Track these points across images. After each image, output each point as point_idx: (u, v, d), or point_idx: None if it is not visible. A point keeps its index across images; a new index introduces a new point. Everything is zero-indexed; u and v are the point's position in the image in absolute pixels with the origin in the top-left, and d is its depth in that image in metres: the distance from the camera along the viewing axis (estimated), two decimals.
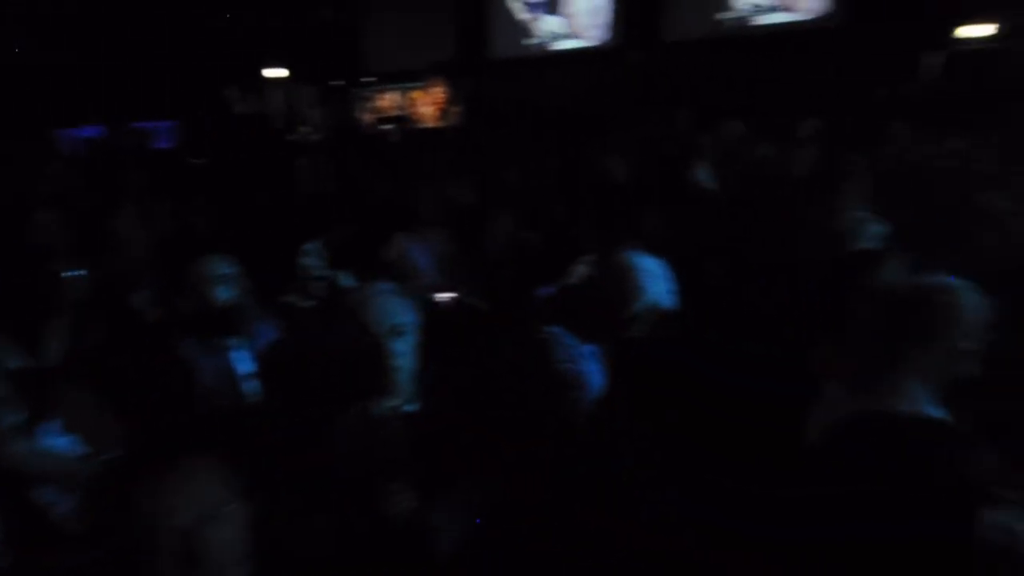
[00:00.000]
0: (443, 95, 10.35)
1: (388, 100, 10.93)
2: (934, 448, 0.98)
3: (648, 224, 2.75)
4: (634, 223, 2.68)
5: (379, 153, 7.06)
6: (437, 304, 2.36)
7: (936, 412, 1.28)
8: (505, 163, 4.51)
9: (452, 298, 2.43)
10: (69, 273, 2.07)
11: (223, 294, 1.95)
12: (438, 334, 1.59)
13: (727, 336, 2.02)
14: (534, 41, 9.55)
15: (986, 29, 6.58)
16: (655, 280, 1.62)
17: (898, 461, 0.97)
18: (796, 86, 7.42)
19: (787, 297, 2.07)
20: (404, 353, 1.39)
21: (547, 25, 9.35)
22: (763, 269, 2.31)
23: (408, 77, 10.49)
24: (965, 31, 6.79)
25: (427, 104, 10.55)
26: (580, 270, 1.80)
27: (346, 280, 2.33)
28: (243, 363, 1.93)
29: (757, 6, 8.08)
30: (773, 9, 8.03)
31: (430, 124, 10.29)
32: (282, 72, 9.74)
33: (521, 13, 9.42)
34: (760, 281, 2.15)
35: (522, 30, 9.51)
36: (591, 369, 1.68)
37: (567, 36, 9.32)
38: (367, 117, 10.84)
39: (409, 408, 1.40)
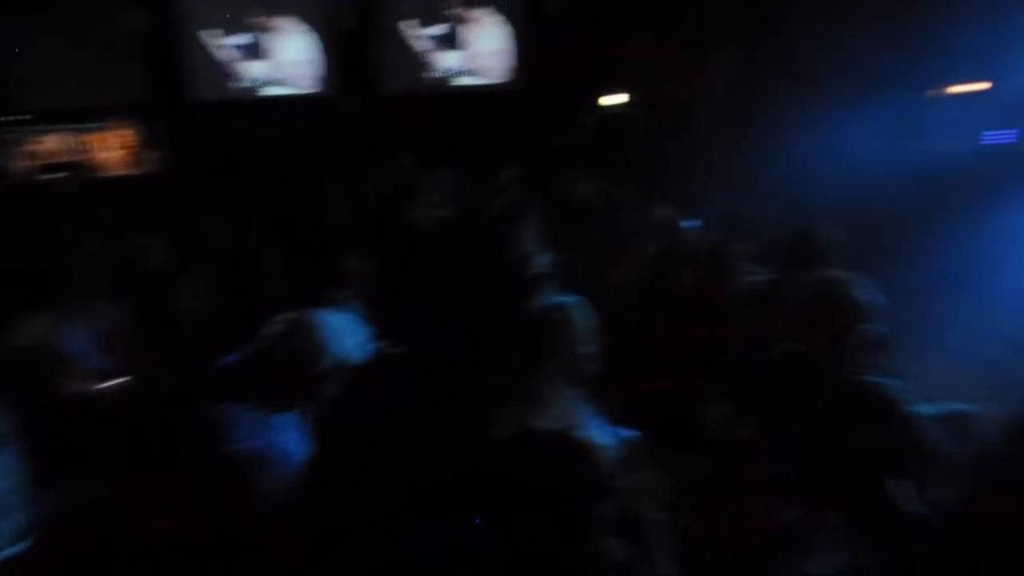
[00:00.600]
0: (133, 138, 8.93)
1: (52, 143, 8.93)
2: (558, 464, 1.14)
3: (358, 271, 2.81)
4: (339, 274, 2.70)
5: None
6: (100, 395, 1.99)
7: (579, 412, 1.60)
8: (205, 215, 4.11)
9: (121, 384, 2.08)
10: None
11: None
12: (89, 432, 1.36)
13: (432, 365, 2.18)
14: (241, 85, 8.98)
15: (622, 98, 8.68)
16: (342, 336, 1.67)
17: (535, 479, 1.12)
18: (496, 137, 8.59)
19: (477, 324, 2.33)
20: None
21: (253, 70, 8.90)
22: (456, 299, 2.57)
23: (81, 117, 8.77)
24: (609, 100, 8.86)
25: (110, 148, 8.96)
26: (270, 332, 1.74)
27: None
28: None
29: (451, 69, 9.11)
30: (468, 72, 9.17)
31: (116, 171, 8.75)
32: None
33: (222, 55, 8.78)
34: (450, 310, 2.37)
35: (226, 73, 8.86)
36: (287, 439, 1.64)
37: (275, 83, 9.03)
38: (19, 162, 8.67)
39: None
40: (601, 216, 4.81)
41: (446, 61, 9.10)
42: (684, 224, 3.21)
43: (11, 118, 8.62)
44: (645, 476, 1.43)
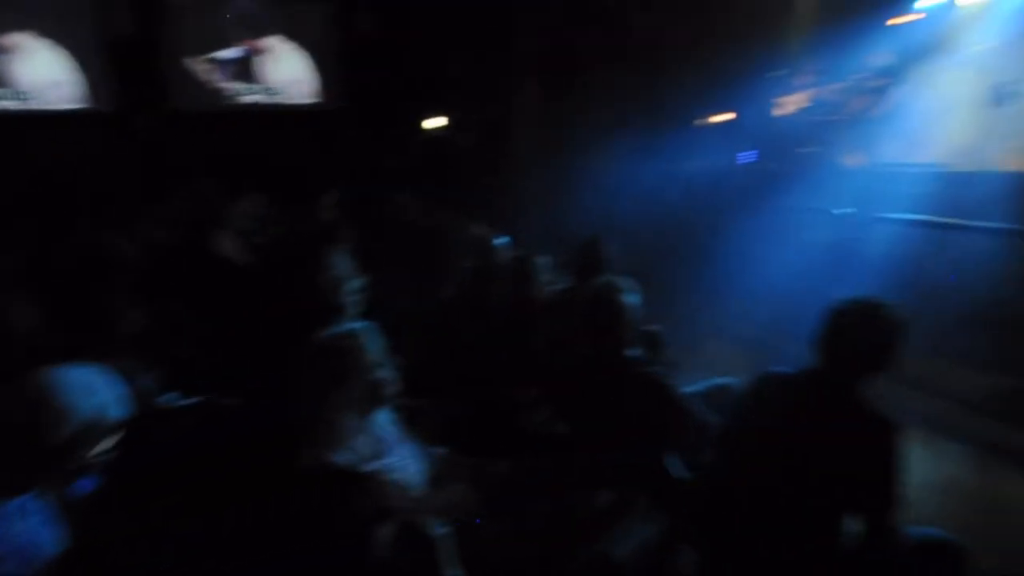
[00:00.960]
0: None
1: None
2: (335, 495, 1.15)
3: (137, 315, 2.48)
4: (114, 319, 2.36)
5: None
6: None
7: (380, 438, 1.58)
8: None
9: None
10: None
11: None
12: None
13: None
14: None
15: (440, 121, 8.92)
16: (91, 394, 1.44)
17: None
18: (313, 158, 8.22)
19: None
20: None
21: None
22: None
23: None
24: (430, 123, 9.06)
25: None
26: None
27: None
28: None
29: (257, 87, 8.55)
30: (278, 91, 8.67)
31: None
32: None
33: None
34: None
35: None
36: (28, 526, 1.36)
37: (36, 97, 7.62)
38: None
39: None
40: (422, 236, 4.87)
41: (254, 78, 8.51)
42: (497, 241, 3.39)
43: None
44: (455, 489, 1.47)
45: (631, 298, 1.91)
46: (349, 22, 8.59)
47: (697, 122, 8.91)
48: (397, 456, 1.48)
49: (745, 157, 7.55)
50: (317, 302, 2.43)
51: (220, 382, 2.11)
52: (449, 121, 9.08)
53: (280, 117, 8.66)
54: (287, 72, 8.61)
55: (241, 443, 1.68)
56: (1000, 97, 5.17)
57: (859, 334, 1.50)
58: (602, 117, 7.85)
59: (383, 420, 1.61)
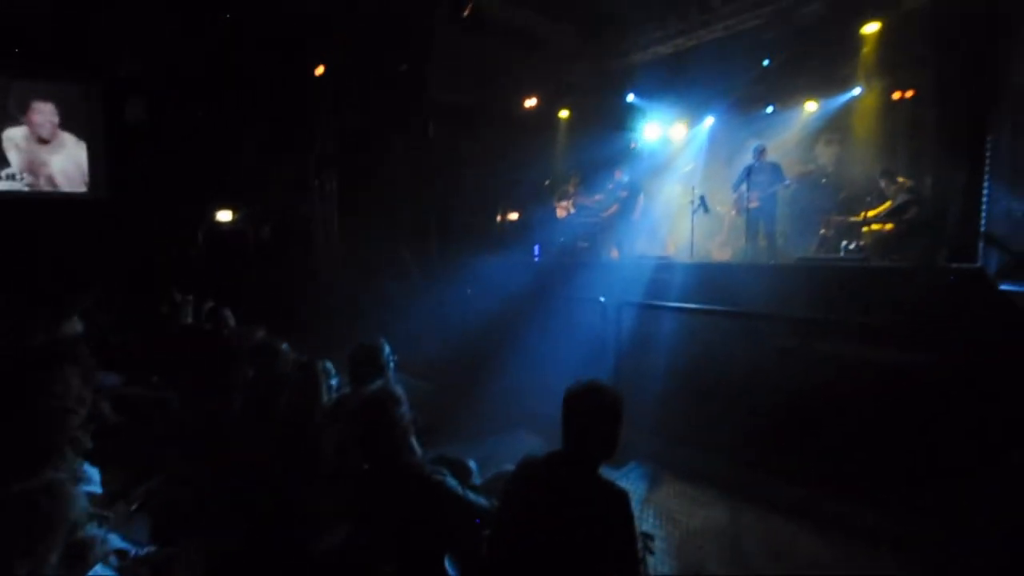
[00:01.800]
0: None
1: None
2: None
3: None
4: None
5: None
6: None
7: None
8: None
9: None
10: None
11: None
12: None
13: None
14: None
15: (225, 215, 8.46)
16: None
17: None
18: (68, 254, 7.10)
19: None
20: None
21: None
22: None
23: None
24: (220, 215, 8.53)
25: None
26: None
27: None
28: None
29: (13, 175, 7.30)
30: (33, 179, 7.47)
31: None
32: None
33: None
34: None
35: None
36: None
37: None
38: None
39: None
40: (205, 340, 4.48)
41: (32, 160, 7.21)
42: (283, 346, 3.30)
43: None
44: None
45: (400, 392, 2.02)
46: (119, 109, 7.89)
47: (492, 220, 9.93)
48: None
49: (533, 252, 8.57)
50: (27, 439, 2.04)
51: None
52: (240, 214, 8.67)
53: (42, 206, 7.39)
54: (60, 151, 7.52)
55: None
56: (698, 206, 6.80)
57: (585, 414, 1.81)
58: (402, 218, 8.29)
59: None
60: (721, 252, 7.87)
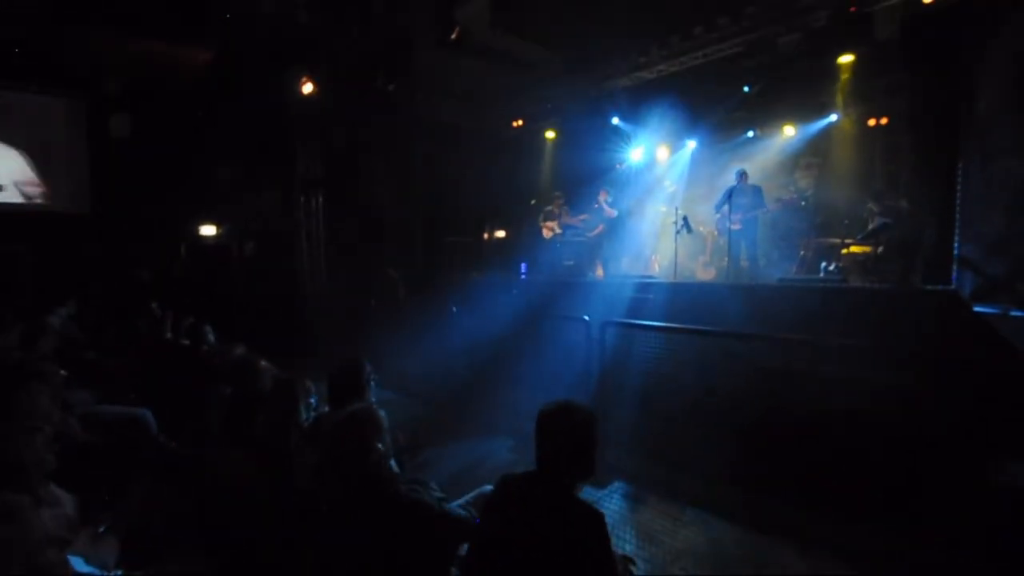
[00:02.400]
0: None
1: None
2: None
3: None
4: None
5: None
6: None
7: None
8: None
9: None
10: None
11: None
12: None
13: None
14: None
15: (209, 230, 8.40)
16: None
17: None
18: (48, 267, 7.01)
19: None
20: None
21: None
22: None
23: None
24: (203, 230, 8.47)
25: None
26: None
27: None
28: None
29: None
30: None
31: None
32: None
33: None
34: None
35: None
36: None
37: None
38: None
39: None
40: (182, 356, 4.40)
41: None
42: (262, 363, 3.24)
43: None
44: None
45: (380, 415, 1.99)
46: (98, 124, 7.85)
47: (479, 239, 9.98)
48: None
49: (520, 271, 8.59)
50: None
51: None
52: (223, 230, 8.61)
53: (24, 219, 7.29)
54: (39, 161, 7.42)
55: None
56: (682, 226, 6.90)
57: (558, 433, 1.80)
58: (388, 236, 8.30)
59: None
60: (705, 272, 7.96)
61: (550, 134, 9.40)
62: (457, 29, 6.00)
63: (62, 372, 2.84)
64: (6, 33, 6.77)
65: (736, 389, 4.24)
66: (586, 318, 4.85)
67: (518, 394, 5.31)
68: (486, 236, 10.29)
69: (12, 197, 7.49)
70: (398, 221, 8.55)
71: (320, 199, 8.03)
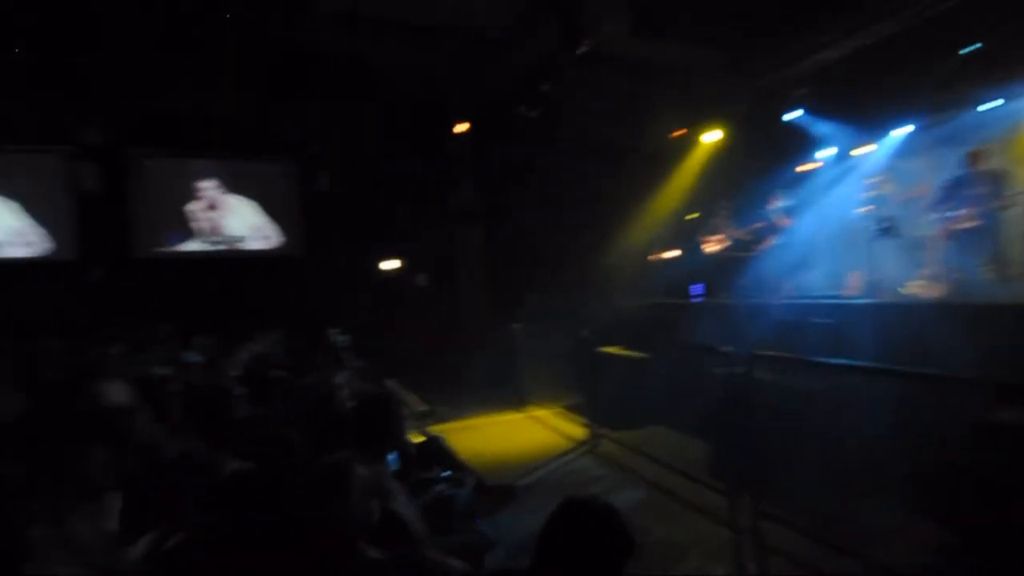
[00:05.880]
0: None
1: None
2: None
3: None
4: None
5: None
6: None
7: None
8: None
9: None
10: None
11: None
12: None
13: None
14: None
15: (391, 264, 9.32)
16: None
17: None
18: (263, 301, 8.48)
19: None
20: None
21: None
22: None
23: None
24: (385, 265, 9.47)
25: None
26: None
27: None
28: None
29: (221, 237, 9.09)
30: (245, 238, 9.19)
31: None
32: None
33: None
34: None
35: None
36: None
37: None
38: None
39: None
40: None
41: (213, 224, 9.07)
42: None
43: None
44: None
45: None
46: (308, 180, 9.39)
47: (642, 260, 9.41)
48: None
49: (695, 291, 7.80)
50: None
51: None
52: (402, 264, 9.52)
53: (238, 263, 9.14)
54: (244, 224, 9.27)
55: None
56: (885, 231, 5.51)
57: (567, 536, 1.38)
58: (538, 261, 8.29)
59: None
60: (923, 288, 6.24)
61: (712, 139, 8.46)
62: (586, 43, 5.75)
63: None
64: (241, 113, 8.47)
65: (948, 454, 3.11)
66: (729, 349, 4.08)
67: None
68: (653, 256, 9.63)
69: (253, 244, 9.34)
70: (552, 247, 8.46)
71: (477, 230, 8.38)
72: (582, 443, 5.31)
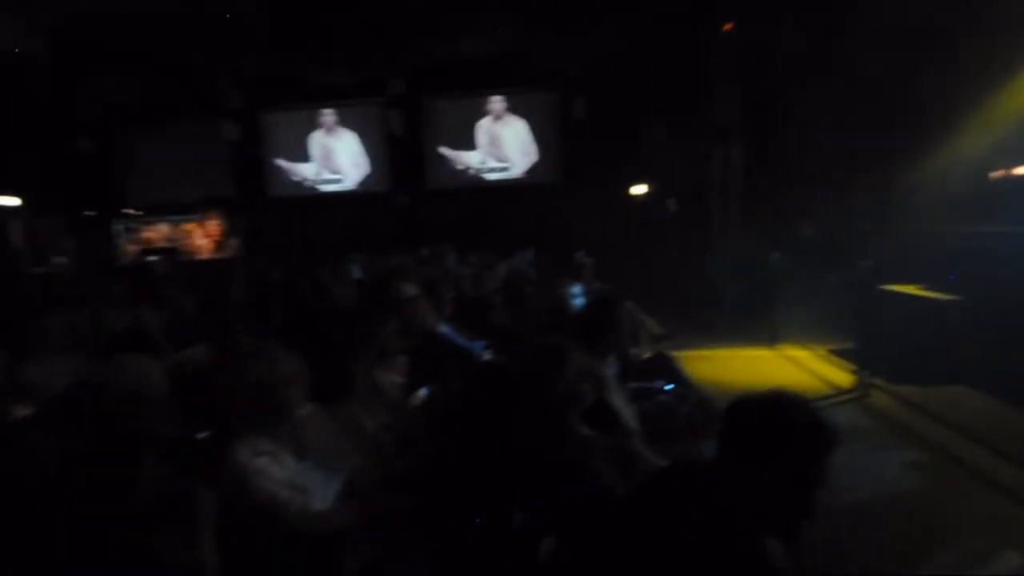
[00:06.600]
0: (219, 228, 10.65)
1: (157, 232, 10.82)
2: None
3: None
4: None
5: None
6: None
7: None
8: None
9: None
10: None
11: None
12: None
13: None
14: (304, 182, 10.65)
15: (640, 189, 9.17)
16: None
17: None
18: (521, 225, 9.38)
19: None
20: None
21: (306, 171, 10.54)
22: None
23: (180, 210, 10.65)
24: (635, 190, 9.40)
25: (202, 236, 10.72)
26: None
27: None
28: None
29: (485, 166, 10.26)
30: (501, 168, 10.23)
31: (204, 255, 10.42)
32: (14, 201, 9.23)
33: (281, 162, 10.59)
34: None
35: (286, 173, 10.65)
36: None
37: (332, 180, 10.64)
38: (130, 248, 10.54)
39: None
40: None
41: (485, 158, 10.26)
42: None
43: (128, 211, 10.78)
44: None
45: None
46: (568, 108, 9.73)
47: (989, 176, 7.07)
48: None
49: None
50: None
51: None
52: (651, 189, 9.28)
53: (506, 191, 10.26)
54: (519, 148, 10.26)
55: None
56: None
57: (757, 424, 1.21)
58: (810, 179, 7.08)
59: None
60: None
61: None
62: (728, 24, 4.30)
63: None
64: (511, 51, 9.13)
65: None
66: None
67: None
68: (993, 175, 7.17)
69: (517, 173, 10.37)
70: (837, 163, 7.02)
71: (739, 150, 7.55)
72: (846, 391, 4.66)
